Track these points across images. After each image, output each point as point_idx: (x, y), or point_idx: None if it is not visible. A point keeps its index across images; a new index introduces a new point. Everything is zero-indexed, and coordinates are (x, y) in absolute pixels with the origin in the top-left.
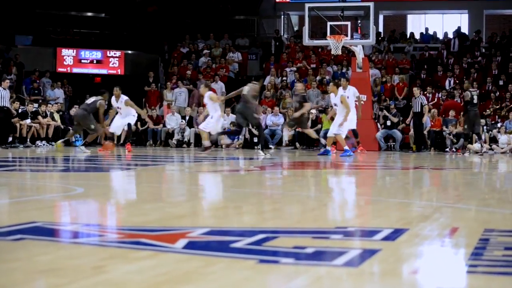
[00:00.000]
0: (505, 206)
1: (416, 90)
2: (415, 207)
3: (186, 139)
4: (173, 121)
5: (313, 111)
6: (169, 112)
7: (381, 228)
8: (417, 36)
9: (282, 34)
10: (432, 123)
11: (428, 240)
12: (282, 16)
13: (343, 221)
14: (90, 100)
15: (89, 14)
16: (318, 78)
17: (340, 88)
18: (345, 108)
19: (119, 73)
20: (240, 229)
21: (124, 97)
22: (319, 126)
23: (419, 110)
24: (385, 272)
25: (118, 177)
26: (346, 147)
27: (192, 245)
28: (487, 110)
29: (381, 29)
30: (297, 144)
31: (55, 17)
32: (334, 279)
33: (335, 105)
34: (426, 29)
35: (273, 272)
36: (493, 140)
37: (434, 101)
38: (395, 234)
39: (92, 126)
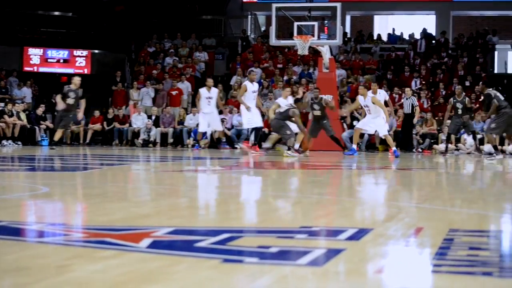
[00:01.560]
0: (470, 206)
1: (408, 91)
2: (380, 207)
3: (152, 139)
4: (139, 121)
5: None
6: (135, 112)
7: (345, 227)
8: (384, 37)
9: (249, 34)
10: (398, 124)
11: (393, 239)
12: (249, 16)
13: (307, 220)
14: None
15: (56, 13)
16: (285, 78)
17: (370, 92)
18: (380, 107)
19: (86, 72)
20: (205, 229)
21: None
22: None
23: (410, 111)
24: (350, 271)
25: (84, 177)
26: (354, 147)
27: (156, 245)
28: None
29: (348, 30)
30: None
31: (22, 16)
32: (298, 279)
33: (366, 106)
34: (393, 30)
35: (237, 271)
36: (459, 140)
37: (400, 102)
38: (360, 233)
39: (288, 132)
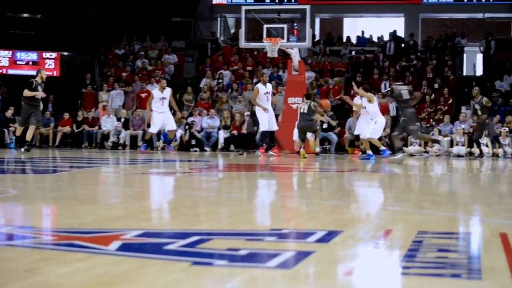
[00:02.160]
0: (439, 208)
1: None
2: (350, 209)
3: (121, 141)
4: (108, 123)
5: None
6: (104, 114)
7: (315, 230)
8: (354, 39)
9: (218, 37)
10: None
11: (362, 242)
12: (219, 19)
13: (277, 223)
14: (303, 109)
15: (25, 15)
16: (255, 80)
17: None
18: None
19: (55, 74)
20: (174, 231)
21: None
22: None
23: (396, 114)
24: (319, 273)
25: (53, 180)
26: (370, 152)
27: (125, 247)
28: (422, 114)
29: (317, 32)
30: (232, 147)
31: None
32: (268, 281)
33: (365, 107)
34: (362, 32)
35: (207, 274)
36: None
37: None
38: (329, 236)
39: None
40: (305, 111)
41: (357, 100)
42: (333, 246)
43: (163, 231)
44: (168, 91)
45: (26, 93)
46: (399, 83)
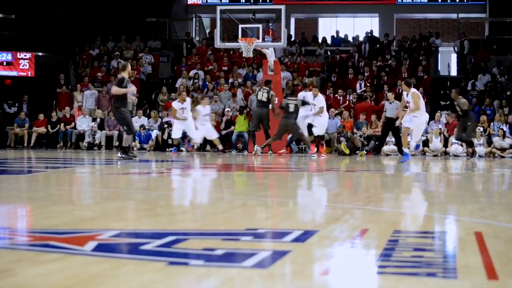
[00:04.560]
0: (414, 207)
1: (390, 96)
2: (326, 208)
3: (97, 142)
4: (84, 123)
5: (228, 109)
6: (80, 114)
7: (291, 229)
8: (329, 39)
9: (193, 37)
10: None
11: (338, 241)
12: (194, 19)
13: (253, 223)
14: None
15: None
16: (230, 80)
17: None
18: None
19: (30, 75)
20: (150, 231)
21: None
22: (232, 128)
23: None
24: (296, 273)
25: (28, 180)
26: (406, 150)
27: (101, 248)
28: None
29: (292, 32)
30: (208, 147)
31: None
32: (244, 280)
33: (408, 103)
34: (337, 32)
35: (183, 274)
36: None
37: (345, 104)
38: (305, 235)
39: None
40: (263, 98)
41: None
42: (309, 245)
43: (139, 231)
44: (188, 102)
45: (118, 90)
46: (292, 97)
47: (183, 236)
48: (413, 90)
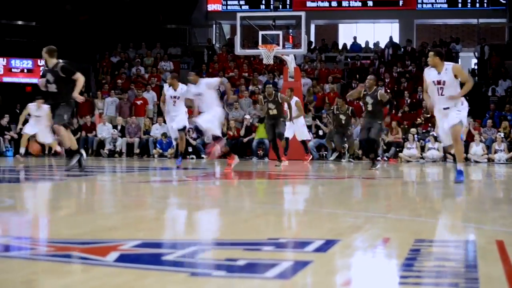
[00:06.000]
0: (436, 216)
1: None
2: (347, 217)
3: (118, 149)
4: (104, 131)
5: (247, 116)
6: (100, 122)
7: (312, 239)
8: (349, 46)
9: (214, 43)
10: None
11: (360, 251)
12: (214, 25)
13: (274, 232)
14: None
15: (20, 22)
16: (250, 87)
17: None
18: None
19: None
20: (172, 241)
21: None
22: (253, 135)
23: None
24: (317, 284)
25: (49, 188)
26: (461, 167)
27: (123, 258)
28: (418, 119)
29: (312, 39)
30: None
31: None
32: None
33: (440, 83)
34: (355, 38)
35: (206, 285)
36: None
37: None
38: (327, 245)
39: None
40: (275, 112)
41: None
42: (331, 255)
43: (161, 241)
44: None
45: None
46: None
47: (204, 246)
48: (450, 63)
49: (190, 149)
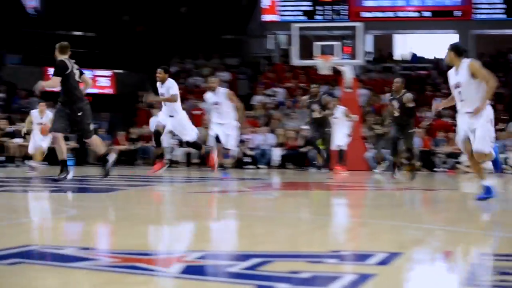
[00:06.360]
0: (499, 228)
1: None
2: (408, 229)
3: (176, 159)
4: (163, 141)
5: (304, 127)
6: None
7: (374, 252)
8: (404, 56)
9: (270, 54)
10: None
11: (422, 264)
12: (271, 36)
13: (336, 244)
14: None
15: (77, 33)
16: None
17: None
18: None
19: (110, 92)
20: (235, 253)
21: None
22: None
23: None
24: None
25: (110, 198)
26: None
27: (187, 270)
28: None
29: (369, 49)
30: (288, 164)
31: (43, 36)
32: None
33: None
34: (410, 49)
35: None
36: None
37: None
38: (389, 258)
39: None
40: (318, 115)
41: None
42: (393, 268)
43: (223, 253)
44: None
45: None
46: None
47: (267, 258)
48: (467, 59)
49: (247, 159)
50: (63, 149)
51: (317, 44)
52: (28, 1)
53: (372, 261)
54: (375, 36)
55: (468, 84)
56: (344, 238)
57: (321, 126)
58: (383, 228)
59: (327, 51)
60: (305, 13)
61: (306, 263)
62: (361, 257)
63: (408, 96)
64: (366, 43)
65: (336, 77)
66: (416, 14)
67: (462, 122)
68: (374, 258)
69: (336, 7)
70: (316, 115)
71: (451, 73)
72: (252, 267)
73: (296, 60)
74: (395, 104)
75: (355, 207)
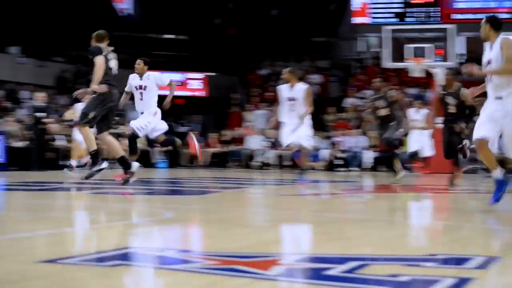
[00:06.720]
0: None
1: None
2: (504, 233)
3: (268, 161)
4: (254, 143)
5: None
6: (249, 134)
7: (471, 255)
8: None
9: (361, 56)
10: None
11: None
12: (362, 38)
13: (431, 247)
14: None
15: (169, 36)
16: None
17: None
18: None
19: (203, 95)
20: (331, 256)
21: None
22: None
23: None
24: None
25: (204, 201)
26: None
27: (286, 272)
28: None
29: (463, 51)
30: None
31: (135, 39)
32: None
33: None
34: None
35: None
36: None
37: None
38: (488, 262)
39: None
40: (383, 113)
41: None
42: (493, 273)
43: (319, 255)
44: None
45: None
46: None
47: (364, 261)
48: (505, 36)
49: (339, 162)
50: (91, 139)
51: (409, 47)
52: (119, 5)
53: (470, 265)
54: (467, 38)
55: (497, 63)
56: (439, 241)
57: (387, 125)
58: (478, 232)
59: (418, 54)
60: (397, 15)
61: (403, 266)
62: (459, 261)
63: (464, 92)
64: (458, 45)
65: (427, 79)
66: (509, 16)
67: (490, 109)
68: (472, 261)
69: (427, 9)
70: (382, 112)
71: (485, 49)
72: (350, 270)
73: (388, 63)
74: (451, 101)
75: (448, 209)
